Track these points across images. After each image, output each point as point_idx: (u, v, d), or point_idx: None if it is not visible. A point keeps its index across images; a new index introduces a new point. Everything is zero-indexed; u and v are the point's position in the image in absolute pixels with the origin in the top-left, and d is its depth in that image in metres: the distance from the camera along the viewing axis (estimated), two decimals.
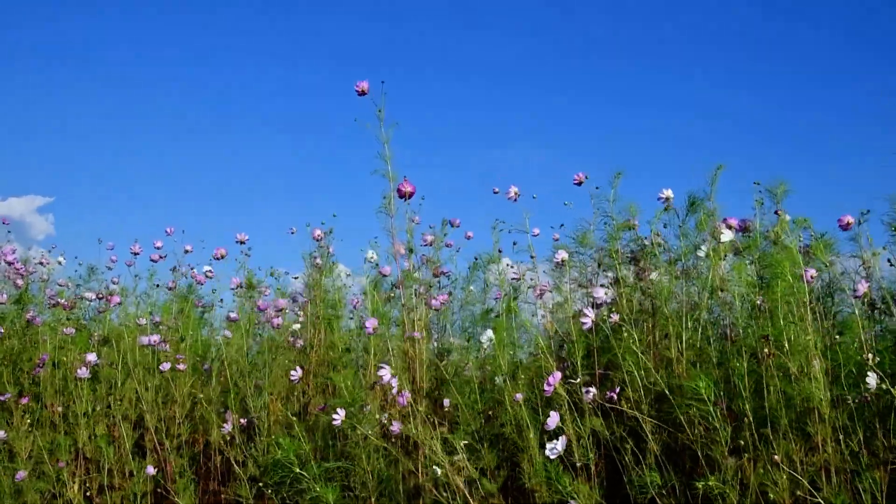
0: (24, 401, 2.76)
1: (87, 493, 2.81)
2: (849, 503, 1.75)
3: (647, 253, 2.57)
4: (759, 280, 2.06)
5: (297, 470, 2.08)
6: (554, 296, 2.84)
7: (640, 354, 2.09)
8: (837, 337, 1.95)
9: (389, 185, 2.46)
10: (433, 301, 2.83)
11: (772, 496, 1.76)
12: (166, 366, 2.88)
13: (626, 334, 2.10)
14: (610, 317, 2.35)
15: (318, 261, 3.31)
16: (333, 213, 3.32)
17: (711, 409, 1.80)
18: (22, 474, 2.55)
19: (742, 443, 1.86)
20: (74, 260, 4.50)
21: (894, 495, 1.76)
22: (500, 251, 2.93)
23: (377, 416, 2.30)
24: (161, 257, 3.63)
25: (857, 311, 1.99)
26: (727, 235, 2.21)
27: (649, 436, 2.00)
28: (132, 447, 2.81)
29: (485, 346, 2.34)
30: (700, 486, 1.75)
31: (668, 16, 8.90)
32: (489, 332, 2.32)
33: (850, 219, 2.12)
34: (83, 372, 2.73)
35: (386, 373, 2.08)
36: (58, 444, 2.71)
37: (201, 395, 3.03)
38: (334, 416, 2.10)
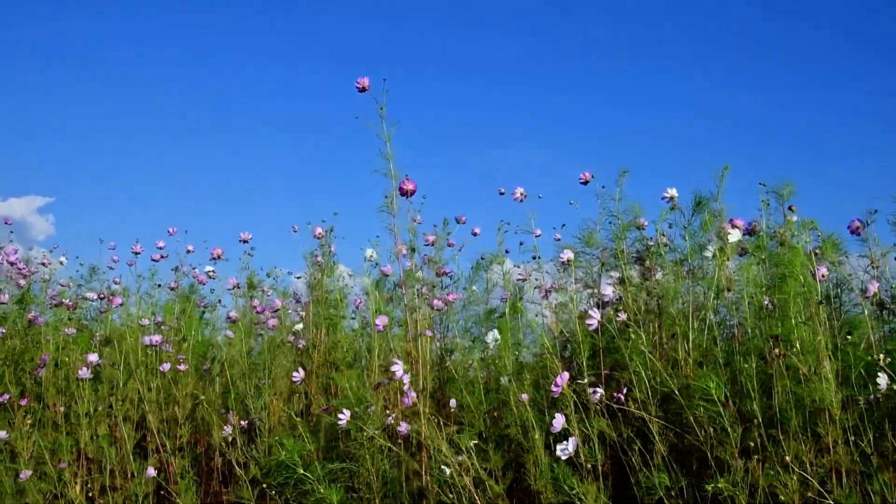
0: (26, 401, 2.75)
1: (89, 494, 2.79)
2: None
3: (652, 253, 2.56)
4: (768, 280, 2.05)
5: (301, 471, 2.07)
6: (557, 297, 2.83)
7: (647, 354, 2.07)
8: (849, 337, 1.93)
9: (391, 184, 2.40)
10: (435, 301, 2.81)
11: (782, 498, 1.74)
12: (167, 366, 2.87)
13: (633, 334, 2.09)
14: (617, 316, 2.34)
15: (320, 259, 3.29)
16: (335, 212, 3.29)
17: (721, 409, 1.79)
18: (24, 474, 2.54)
19: (751, 444, 1.85)
20: (76, 260, 4.49)
21: None
22: (506, 251, 2.92)
23: (382, 417, 2.29)
24: (163, 257, 3.61)
25: (866, 312, 1.98)
26: (735, 235, 2.19)
27: (656, 437, 1.99)
28: (134, 448, 2.80)
29: (490, 347, 2.33)
30: (710, 487, 1.73)
31: (668, 16, 8.89)
32: (494, 333, 2.31)
33: (858, 223, 2.11)
34: (85, 372, 2.71)
35: (399, 368, 2.06)
36: (59, 445, 2.70)
37: (203, 397, 3.02)
38: (339, 416, 2.08)
